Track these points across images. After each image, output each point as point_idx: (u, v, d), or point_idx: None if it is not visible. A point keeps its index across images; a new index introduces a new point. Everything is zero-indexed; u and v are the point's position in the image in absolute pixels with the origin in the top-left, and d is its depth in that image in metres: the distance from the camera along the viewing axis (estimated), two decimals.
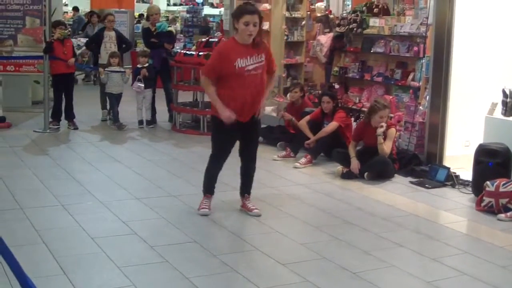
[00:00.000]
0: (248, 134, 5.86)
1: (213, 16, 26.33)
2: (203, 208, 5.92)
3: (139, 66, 10.21)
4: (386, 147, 7.35)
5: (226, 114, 5.54)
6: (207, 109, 10.12)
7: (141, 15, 21.14)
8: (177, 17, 24.39)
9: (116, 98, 10.15)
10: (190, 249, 5.00)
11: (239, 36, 5.56)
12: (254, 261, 4.81)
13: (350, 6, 11.97)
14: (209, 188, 6.04)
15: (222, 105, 5.55)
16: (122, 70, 10.08)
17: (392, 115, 8.55)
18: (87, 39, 12.10)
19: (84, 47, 12.33)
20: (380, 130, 7.31)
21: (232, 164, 7.72)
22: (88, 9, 20.04)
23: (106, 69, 10.06)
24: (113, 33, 10.58)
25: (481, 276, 4.62)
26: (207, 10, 26.23)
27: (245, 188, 6.12)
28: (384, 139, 7.37)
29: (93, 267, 4.60)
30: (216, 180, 6.06)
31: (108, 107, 10.71)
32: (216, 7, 28.73)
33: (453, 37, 7.48)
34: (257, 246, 5.07)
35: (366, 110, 7.75)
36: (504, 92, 7.27)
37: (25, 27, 10.97)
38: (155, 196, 6.53)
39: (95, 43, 10.76)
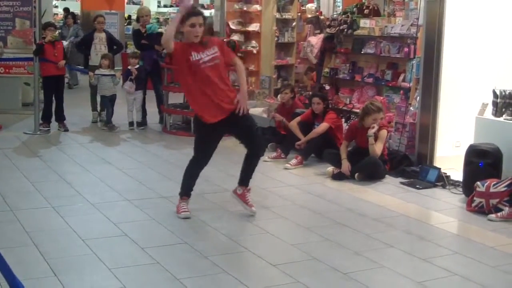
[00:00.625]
0: (238, 127, 5.83)
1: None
2: (183, 211, 5.85)
3: (129, 68, 10.20)
4: (377, 148, 7.36)
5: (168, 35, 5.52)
6: None
7: (129, 17, 21.10)
8: (168, 19, 24.35)
9: (110, 100, 10.13)
10: (181, 250, 4.99)
11: (186, 39, 5.64)
12: (245, 262, 4.81)
13: (340, 8, 12.01)
14: (187, 190, 6.00)
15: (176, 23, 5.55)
16: (112, 73, 10.04)
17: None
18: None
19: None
20: (371, 131, 7.32)
21: (224, 165, 7.78)
22: (78, 11, 19.96)
23: (96, 72, 10.04)
24: (103, 35, 10.56)
25: (472, 276, 4.63)
26: None
27: (246, 179, 6.03)
28: (376, 140, 7.38)
29: (84, 269, 4.59)
30: (195, 182, 6.02)
31: (99, 109, 10.69)
32: (207, 9, 28.70)
33: (443, 38, 7.49)
34: (248, 247, 5.07)
35: (360, 111, 7.74)
36: (494, 92, 7.29)
37: (15, 29, 10.97)
38: (146, 197, 6.52)
39: (85, 45, 10.73)
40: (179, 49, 5.58)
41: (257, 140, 6.02)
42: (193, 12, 5.64)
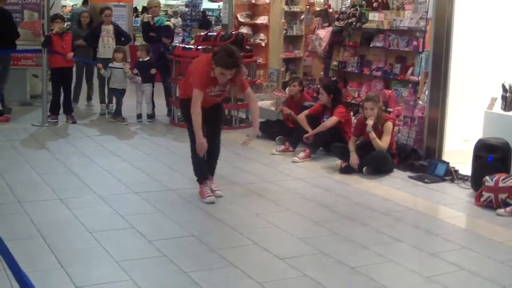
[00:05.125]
0: (212, 117, 6.11)
1: (212, 10, 26.25)
2: (208, 196, 6.11)
3: (140, 60, 10.21)
4: (384, 141, 7.32)
5: (201, 141, 5.87)
6: None
7: (136, 9, 21.08)
8: (176, 11, 24.33)
9: (120, 93, 10.13)
10: (188, 243, 4.99)
11: (216, 74, 5.82)
12: (252, 256, 4.79)
13: (349, 0, 11.95)
14: (202, 174, 6.26)
15: (201, 133, 5.85)
16: (122, 67, 10.02)
17: (391, 109, 8.54)
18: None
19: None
20: (369, 126, 7.29)
21: (229, 157, 7.78)
22: (87, 3, 19.92)
23: (109, 65, 10.04)
24: (110, 27, 10.55)
25: (480, 271, 4.61)
26: (205, 4, 26.15)
27: (211, 169, 6.38)
28: (382, 133, 7.34)
29: (91, 261, 4.59)
30: (204, 165, 6.27)
31: (106, 101, 10.69)
32: (215, 1, 28.66)
33: (452, 31, 7.46)
34: (256, 241, 5.06)
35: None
36: (503, 86, 7.25)
37: (24, 21, 10.97)
38: (153, 190, 6.51)
39: (93, 37, 10.71)
40: (207, 81, 5.86)
41: (219, 134, 6.39)
42: (228, 64, 5.75)
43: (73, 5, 25.30)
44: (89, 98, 11.69)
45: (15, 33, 10.25)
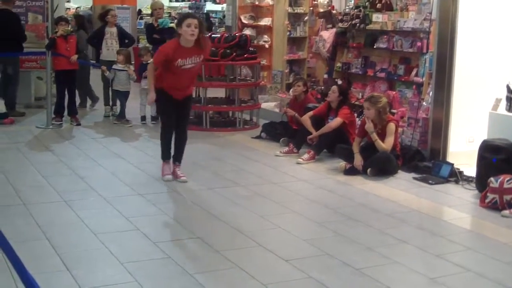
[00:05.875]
0: (182, 110, 6.91)
1: (215, 12, 26.26)
2: (166, 174, 6.91)
3: (144, 62, 10.22)
4: (387, 142, 7.30)
5: (152, 95, 6.74)
6: (209, 105, 10.14)
7: (140, 11, 21.08)
8: (179, 13, 24.34)
9: (123, 95, 10.13)
10: (193, 245, 4.99)
11: (183, 38, 6.55)
12: (257, 257, 4.79)
13: (352, 2, 11.96)
14: (167, 154, 7.03)
15: (154, 87, 6.73)
16: (126, 69, 10.01)
17: (395, 110, 8.53)
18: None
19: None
20: (368, 127, 7.29)
21: (233, 159, 7.80)
22: (90, 6, 19.97)
23: (113, 66, 10.04)
24: (114, 29, 10.55)
25: (485, 272, 4.60)
26: (209, 6, 26.17)
27: (177, 157, 7.04)
28: (384, 135, 7.34)
29: (96, 263, 4.60)
30: (171, 146, 7.00)
31: (111, 103, 10.70)
32: (218, 3, 28.67)
33: (457, 32, 7.44)
34: (260, 242, 5.05)
35: None
36: (508, 87, 7.24)
37: (28, 23, 10.99)
38: (158, 192, 6.52)
39: (96, 39, 10.73)
40: (165, 55, 6.62)
41: (186, 125, 7.15)
42: (190, 15, 6.86)
43: (76, 8, 25.37)
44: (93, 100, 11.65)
45: (23, 36, 10.30)
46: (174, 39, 6.73)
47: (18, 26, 10.28)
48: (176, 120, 6.89)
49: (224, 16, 20.17)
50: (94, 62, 11.06)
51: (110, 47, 10.42)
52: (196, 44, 6.57)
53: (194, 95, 10.70)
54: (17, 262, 2.72)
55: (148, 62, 10.04)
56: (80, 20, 12.03)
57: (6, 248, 2.73)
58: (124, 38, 10.72)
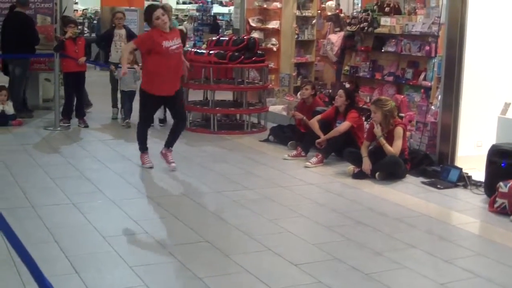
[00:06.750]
0: (173, 102, 7.39)
1: (222, 14, 26.31)
2: (147, 162, 7.49)
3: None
4: (395, 146, 7.28)
5: (125, 69, 7.15)
6: (217, 108, 10.14)
7: None
8: (186, 15, 24.36)
9: (128, 95, 10.14)
10: (202, 248, 4.98)
11: (159, 27, 7.06)
12: (266, 261, 4.78)
13: (359, 5, 11.96)
14: (144, 146, 7.59)
15: (125, 63, 7.29)
16: (133, 67, 10.02)
17: (403, 114, 8.51)
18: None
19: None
20: (376, 132, 7.28)
21: (241, 162, 7.81)
22: (98, 7, 20.01)
23: (119, 65, 10.03)
24: (123, 31, 10.55)
25: (495, 278, 4.58)
26: (216, 9, 26.21)
27: (171, 142, 7.55)
28: (392, 139, 7.32)
29: (105, 266, 4.59)
30: (147, 138, 7.58)
31: (119, 105, 10.70)
32: (226, 5, 28.74)
33: (465, 36, 7.42)
34: (269, 246, 5.04)
35: None
36: None
37: (37, 25, 10.99)
38: (166, 194, 6.52)
39: (105, 41, 10.74)
40: (149, 38, 7.13)
41: (182, 111, 7.74)
42: (152, 7, 7.38)
43: (83, 9, 25.44)
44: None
45: (36, 39, 10.33)
46: (153, 28, 7.19)
47: (31, 29, 10.32)
48: (174, 113, 7.56)
49: (231, 19, 20.19)
50: (103, 63, 11.03)
51: (119, 49, 10.40)
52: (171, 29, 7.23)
53: (202, 98, 10.80)
54: (33, 266, 2.72)
55: None
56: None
57: (21, 251, 2.73)
58: None
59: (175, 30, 7.49)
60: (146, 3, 19.93)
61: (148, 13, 7.20)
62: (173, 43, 7.10)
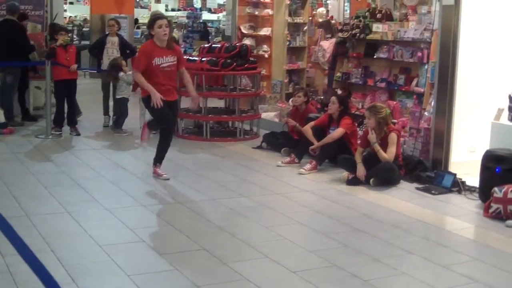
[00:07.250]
0: (171, 108, 7.24)
1: (212, 21, 26.30)
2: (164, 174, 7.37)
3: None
4: (389, 153, 7.30)
5: (157, 95, 6.87)
6: (210, 115, 10.12)
7: (137, 20, 21.07)
8: (176, 22, 24.31)
9: (118, 102, 10.11)
10: (199, 256, 4.96)
11: (157, 38, 6.99)
12: (264, 269, 4.77)
13: (348, 12, 12.01)
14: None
15: (154, 89, 6.91)
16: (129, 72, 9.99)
17: (395, 120, 8.53)
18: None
19: None
20: (371, 138, 7.29)
21: (235, 169, 7.80)
22: (87, 15, 19.97)
23: (120, 74, 10.01)
24: (115, 39, 10.52)
25: (492, 283, 4.59)
26: (205, 16, 26.20)
27: (160, 158, 7.46)
28: (386, 145, 7.33)
29: (102, 275, 4.56)
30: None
31: (111, 113, 10.66)
32: (214, 12, 28.76)
33: (459, 42, 7.45)
34: (266, 254, 5.03)
35: None
36: (510, 97, 7.24)
37: (27, 33, 10.95)
38: (161, 203, 6.51)
39: (98, 48, 10.71)
40: (144, 53, 7.06)
41: (175, 120, 8.04)
42: (159, 16, 7.30)
43: (69, 17, 25.37)
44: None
45: (28, 47, 10.28)
46: (149, 40, 7.23)
47: (23, 37, 10.28)
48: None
49: (220, 26, 20.17)
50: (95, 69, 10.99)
51: (111, 56, 10.37)
52: (167, 45, 7.05)
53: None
54: (45, 273, 2.71)
55: None
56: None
57: (31, 258, 2.72)
58: (126, 49, 10.67)
59: (175, 48, 7.26)
60: (136, 11, 19.97)
61: (153, 20, 7.09)
62: (165, 61, 7.01)
